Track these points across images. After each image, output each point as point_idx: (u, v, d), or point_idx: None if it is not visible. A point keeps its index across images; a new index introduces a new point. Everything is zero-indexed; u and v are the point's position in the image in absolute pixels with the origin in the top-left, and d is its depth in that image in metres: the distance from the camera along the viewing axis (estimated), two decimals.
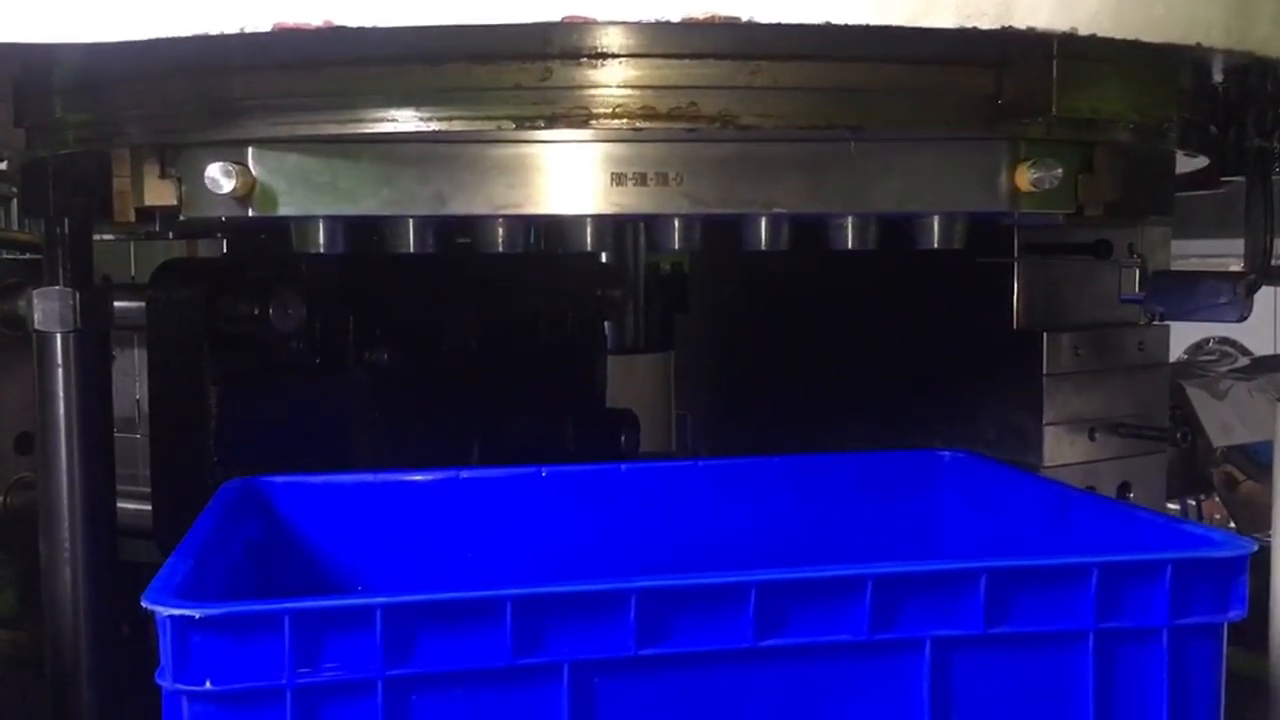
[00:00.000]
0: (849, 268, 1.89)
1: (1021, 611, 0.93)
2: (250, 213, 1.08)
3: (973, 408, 1.68)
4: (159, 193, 1.15)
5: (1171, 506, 2.27)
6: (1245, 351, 2.74)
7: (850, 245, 1.20)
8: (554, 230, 1.21)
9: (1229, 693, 0.99)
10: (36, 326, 1.31)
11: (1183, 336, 2.61)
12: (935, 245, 1.21)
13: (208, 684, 0.83)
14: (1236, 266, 2.58)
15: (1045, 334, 1.61)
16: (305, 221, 1.15)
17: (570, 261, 1.90)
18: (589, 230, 1.17)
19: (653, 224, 1.19)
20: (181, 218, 1.15)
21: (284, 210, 1.09)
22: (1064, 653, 0.94)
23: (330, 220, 1.15)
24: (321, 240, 1.16)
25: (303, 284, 1.46)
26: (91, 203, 1.23)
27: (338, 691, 0.86)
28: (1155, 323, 1.71)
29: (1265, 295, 1.56)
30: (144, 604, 0.84)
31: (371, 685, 0.86)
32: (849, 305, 1.88)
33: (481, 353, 1.74)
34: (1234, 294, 1.44)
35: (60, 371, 1.32)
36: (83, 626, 1.33)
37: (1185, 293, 1.52)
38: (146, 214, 1.20)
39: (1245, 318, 1.45)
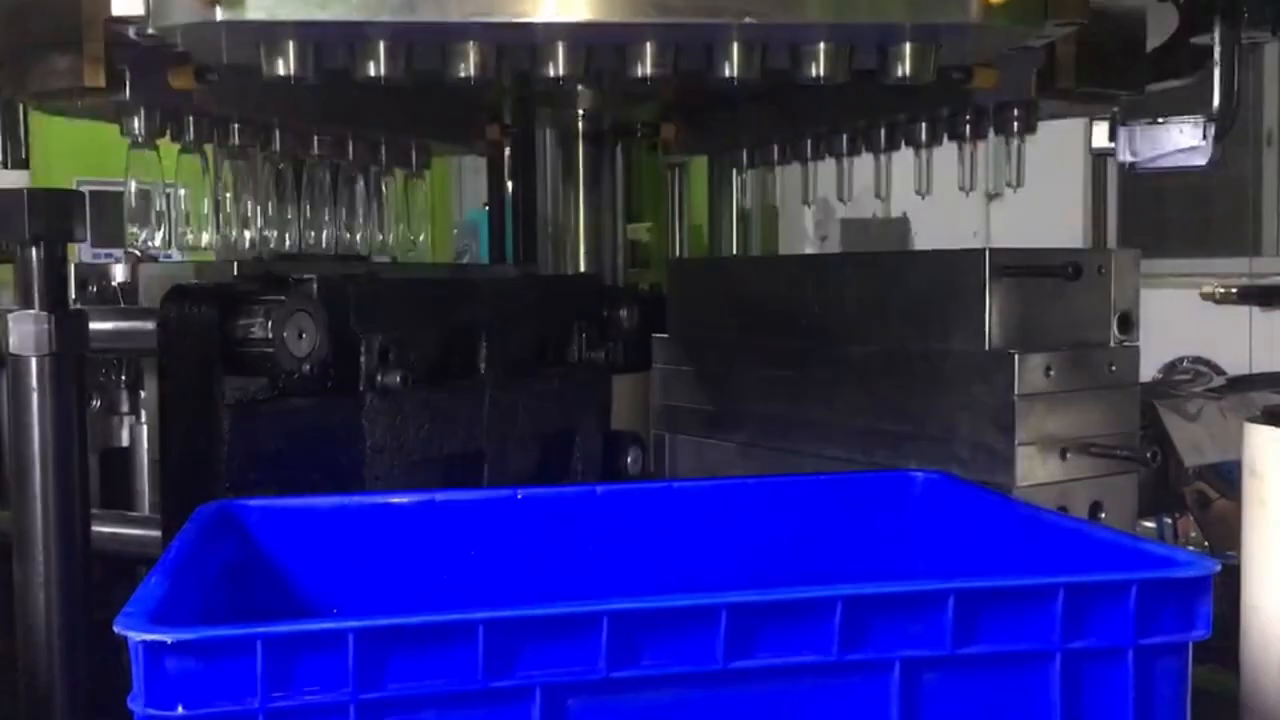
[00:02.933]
0: (825, 289, 1.90)
1: (989, 631, 0.94)
2: (218, 16, 1.06)
3: (946, 428, 1.69)
4: (127, 2, 1.13)
5: (1148, 525, 2.29)
6: (1219, 371, 2.76)
7: (822, 72, 1.19)
8: (521, 50, 1.18)
9: (1202, 710, 1.00)
10: (11, 350, 1.32)
11: (1157, 356, 2.64)
12: (907, 73, 1.19)
13: (180, 709, 0.84)
14: (1210, 285, 2.60)
15: (1017, 355, 1.62)
16: (274, 37, 1.12)
17: (577, 283, 1.91)
18: (561, 53, 1.15)
19: (626, 48, 1.16)
20: (150, 30, 1.12)
21: (251, 14, 1.06)
22: (1031, 672, 0.95)
23: (299, 37, 1.12)
24: (292, 61, 1.14)
25: (315, 307, 1.47)
26: (66, 226, 1.24)
27: (310, 715, 0.86)
28: (1126, 344, 1.73)
29: (1239, 315, 1.58)
30: (116, 628, 0.85)
31: (344, 708, 0.86)
32: (824, 326, 1.89)
33: (491, 374, 1.75)
34: (1202, 138, 1.44)
35: (35, 395, 1.32)
36: (57, 651, 1.33)
37: (1155, 139, 1.53)
38: (117, 39, 1.16)
39: (1213, 162, 1.46)
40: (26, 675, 1.32)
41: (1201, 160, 1.47)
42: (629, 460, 1.98)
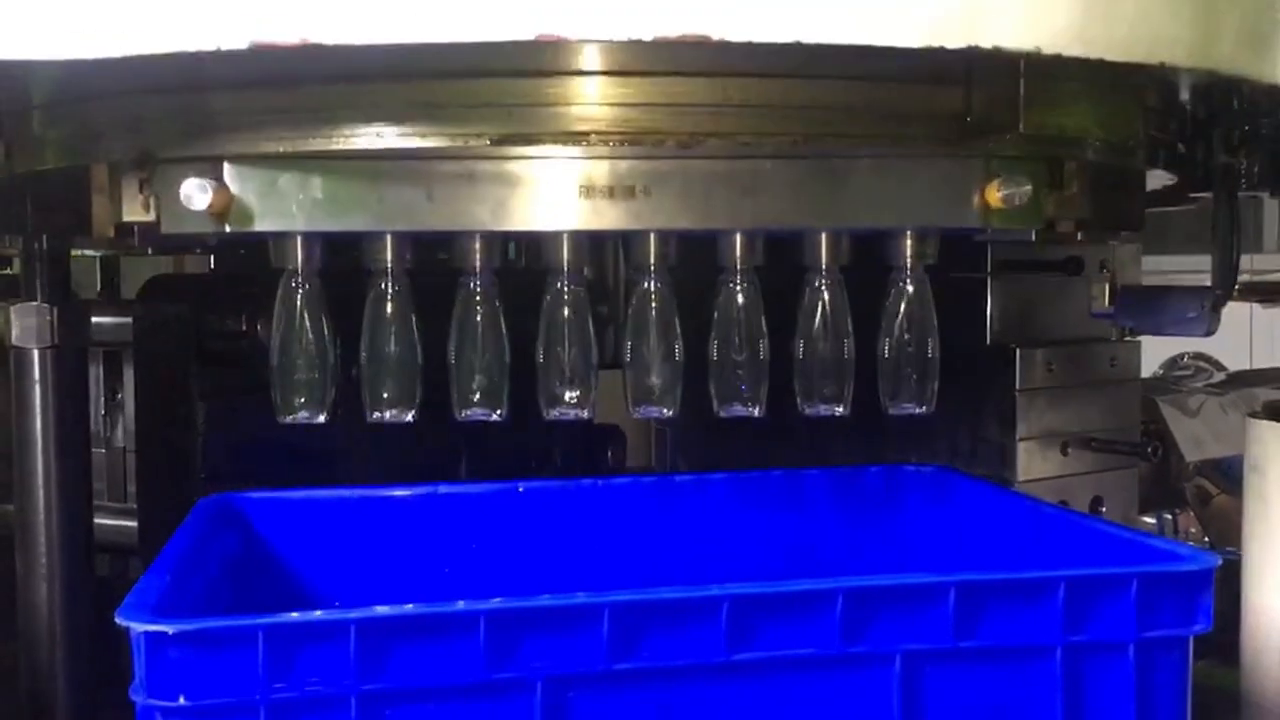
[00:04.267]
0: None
1: (990, 625, 0.94)
2: (226, 229, 1.09)
3: (947, 422, 1.69)
4: (138, 209, 1.15)
5: (1148, 520, 2.29)
6: (1220, 367, 2.76)
7: (824, 262, 1.21)
8: (532, 245, 1.22)
9: (1201, 705, 1.00)
10: (14, 342, 1.32)
11: (1158, 352, 2.64)
12: (908, 262, 1.22)
13: (181, 699, 0.84)
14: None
15: (1018, 350, 1.62)
16: (283, 238, 1.16)
17: None
18: (565, 246, 1.18)
19: (629, 240, 1.20)
20: (163, 231, 1.15)
21: (260, 226, 1.09)
22: (1032, 666, 0.95)
23: (307, 236, 1.15)
24: (300, 257, 1.17)
25: None
26: (69, 220, 1.24)
27: (312, 706, 0.86)
28: (1127, 339, 1.73)
29: (1240, 311, 1.58)
30: (118, 620, 0.85)
31: (345, 700, 0.86)
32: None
33: None
34: (1201, 308, 1.45)
35: (38, 387, 1.32)
36: (59, 642, 1.33)
37: (1154, 308, 1.54)
38: (126, 230, 1.20)
39: (1212, 332, 1.47)
40: (28, 667, 1.32)
41: (1201, 331, 1.47)
42: (608, 454, 1.97)
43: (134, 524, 1.52)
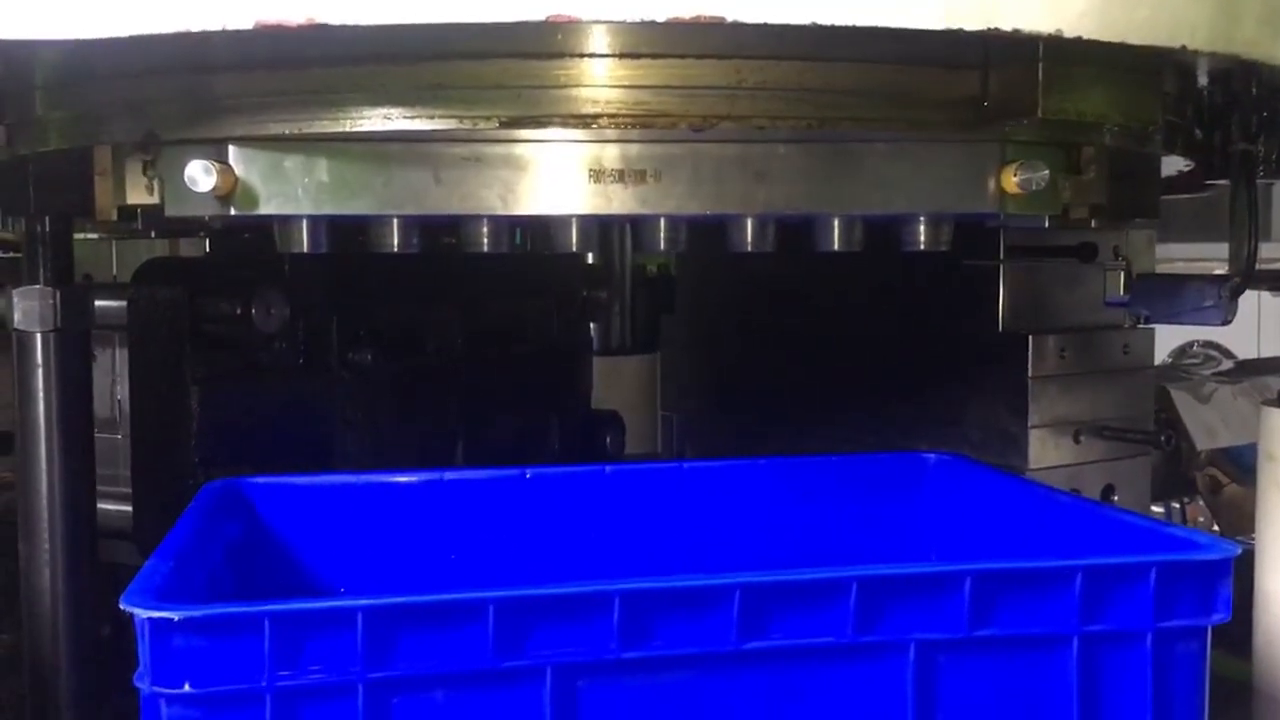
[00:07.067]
0: (836, 270, 1.89)
1: (1006, 614, 0.93)
2: (231, 212, 1.07)
3: (958, 410, 1.68)
4: (141, 191, 1.14)
5: (1156, 509, 2.28)
6: (1229, 355, 2.75)
7: (836, 246, 1.20)
8: (540, 230, 1.21)
9: (1211, 694, 0.99)
10: (16, 326, 1.31)
11: (1167, 340, 2.62)
12: (922, 247, 1.21)
13: (186, 686, 0.83)
14: (1220, 269, 2.58)
15: (1030, 336, 1.61)
16: (288, 221, 1.14)
17: (556, 262, 1.90)
18: (574, 230, 1.17)
19: (638, 225, 1.19)
20: (167, 214, 1.14)
21: (265, 210, 1.08)
22: (1048, 655, 0.94)
23: (313, 220, 1.14)
24: (305, 240, 1.16)
25: (286, 284, 1.46)
26: (72, 201, 1.22)
27: (318, 694, 0.85)
28: (1140, 326, 1.71)
29: (1249, 299, 1.56)
30: (122, 606, 0.84)
31: (352, 688, 0.85)
32: (835, 307, 1.88)
33: (465, 353, 1.74)
34: (1219, 297, 1.44)
35: (40, 371, 1.31)
36: (62, 628, 1.32)
37: (1170, 296, 1.53)
38: (129, 213, 1.19)
39: (1230, 321, 1.46)
40: (32, 653, 1.32)
41: (1218, 320, 1.46)
42: (608, 440, 1.96)
43: None
